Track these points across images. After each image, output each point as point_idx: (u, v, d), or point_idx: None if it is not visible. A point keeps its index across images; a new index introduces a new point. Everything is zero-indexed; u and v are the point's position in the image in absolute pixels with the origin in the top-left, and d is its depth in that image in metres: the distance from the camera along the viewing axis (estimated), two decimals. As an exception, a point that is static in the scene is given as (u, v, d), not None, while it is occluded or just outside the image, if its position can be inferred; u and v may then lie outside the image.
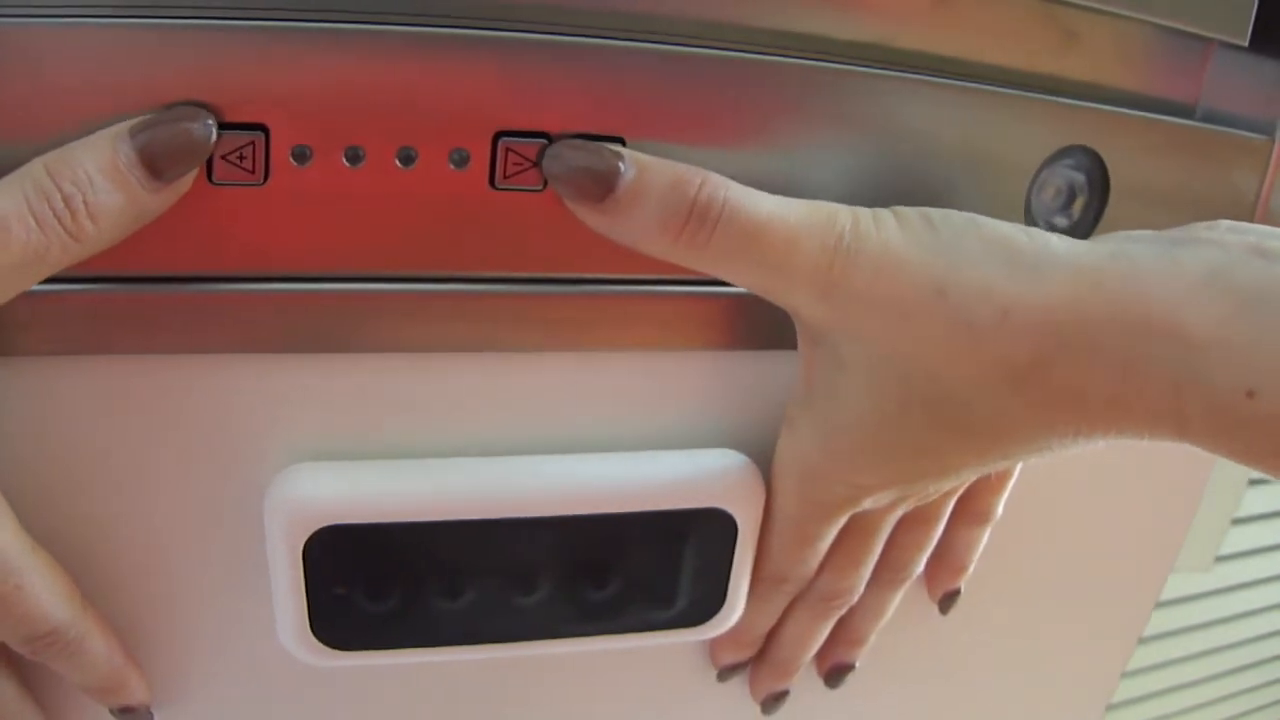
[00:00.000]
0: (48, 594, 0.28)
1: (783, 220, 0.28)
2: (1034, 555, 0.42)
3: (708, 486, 0.33)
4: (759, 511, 0.33)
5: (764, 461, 0.33)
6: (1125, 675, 0.52)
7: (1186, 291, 0.26)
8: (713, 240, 0.28)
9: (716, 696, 0.39)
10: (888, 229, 0.29)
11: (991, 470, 0.32)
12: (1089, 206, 0.34)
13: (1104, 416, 0.28)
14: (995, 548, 0.39)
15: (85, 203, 0.24)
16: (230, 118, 0.26)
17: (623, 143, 0.28)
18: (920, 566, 0.37)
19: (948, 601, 0.40)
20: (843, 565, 0.35)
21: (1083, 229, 0.35)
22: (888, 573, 0.37)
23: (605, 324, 0.31)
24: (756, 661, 0.39)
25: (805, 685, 0.39)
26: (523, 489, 0.31)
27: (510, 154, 0.28)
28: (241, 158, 0.26)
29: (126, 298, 0.27)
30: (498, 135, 0.28)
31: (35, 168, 0.24)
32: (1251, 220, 0.36)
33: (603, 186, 0.28)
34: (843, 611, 0.37)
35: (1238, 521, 0.57)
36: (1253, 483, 0.56)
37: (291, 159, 0.27)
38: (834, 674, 0.39)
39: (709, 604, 0.34)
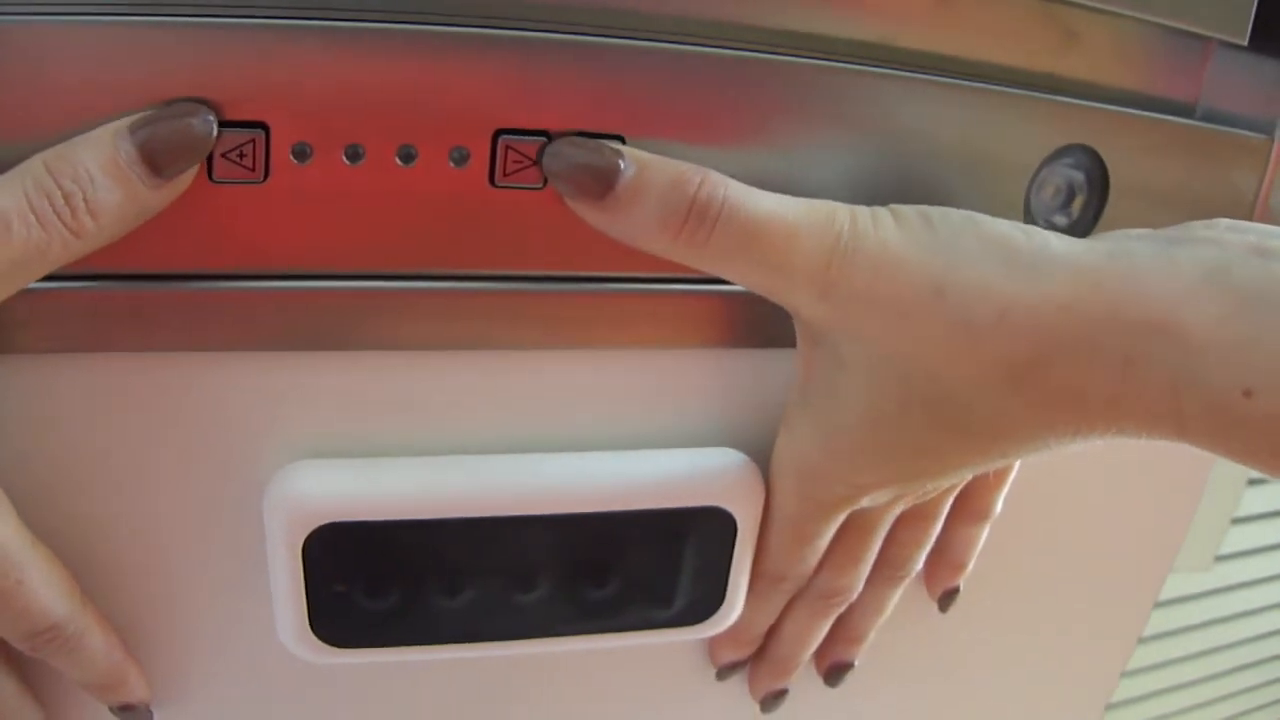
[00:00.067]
0: (48, 589, 0.28)
1: (782, 219, 0.28)
2: (1034, 554, 0.42)
3: (707, 485, 0.33)
4: (758, 510, 0.33)
5: (764, 460, 0.33)
6: (1125, 675, 0.52)
7: (1185, 291, 0.26)
8: (712, 238, 0.28)
9: (716, 695, 0.39)
10: (885, 228, 0.29)
11: (990, 469, 0.32)
12: (1088, 205, 0.34)
13: (1103, 416, 0.28)
14: (995, 547, 0.39)
15: (85, 200, 0.24)
16: (230, 115, 0.26)
17: (623, 141, 0.28)
18: (919, 564, 0.37)
19: (947, 600, 0.40)
20: (841, 563, 0.35)
21: (1082, 228, 0.35)
22: (887, 570, 0.37)
23: (605, 322, 0.31)
24: (756, 660, 0.39)
25: (804, 684, 0.39)
26: (522, 487, 0.31)
27: (510, 152, 0.28)
28: (241, 155, 0.26)
29: (126, 295, 0.27)
30: (498, 133, 0.28)
31: (35, 164, 0.24)
32: (1250, 219, 0.36)
33: (603, 184, 0.28)
34: (842, 609, 0.37)
35: (1237, 521, 0.57)
36: (1252, 482, 0.56)
37: (292, 157, 0.27)
38: (833, 672, 0.39)
39: (708, 602, 0.34)
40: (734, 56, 0.29)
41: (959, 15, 0.32)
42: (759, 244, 0.28)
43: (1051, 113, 0.33)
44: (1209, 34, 0.34)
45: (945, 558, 0.39)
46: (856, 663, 0.39)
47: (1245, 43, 0.34)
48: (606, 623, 0.34)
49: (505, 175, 0.28)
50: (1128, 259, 0.27)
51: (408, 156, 0.27)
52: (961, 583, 0.40)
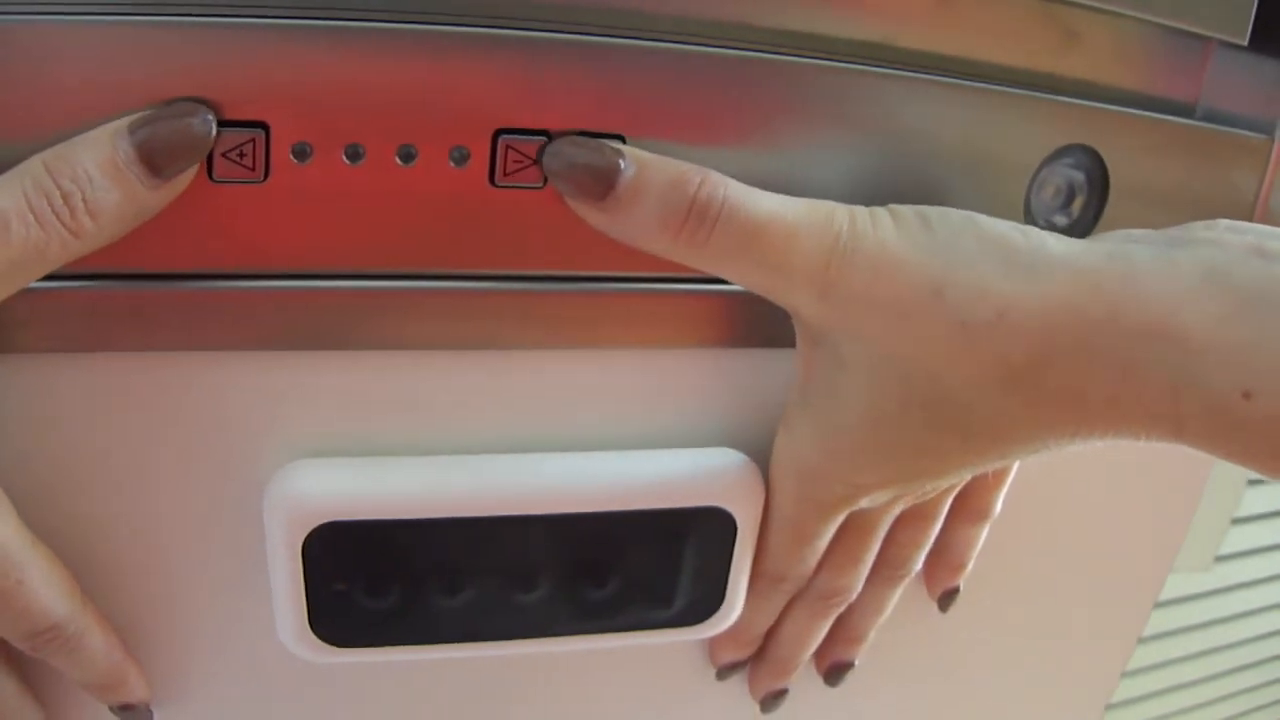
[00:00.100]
0: (48, 589, 0.28)
1: (781, 219, 0.28)
2: (1034, 554, 0.42)
3: (707, 485, 0.33)
4: (758, 511, 0.33)
5: (764, 459, 0.33)
6: (1125, 675, 0.52)
7: (1184, 293, 0.26)
8: (712, 239, 0.28)
9: (716, 695, 0.39)
10: (884, 228, 0.29)
11: (989, 469, 0.32)
12: (1088, 205, 0.34)
13: (1102, 417, 0.28)
14: (995, 547, 0.39)
15: (84, 200, 0.24)
16: (230, 115, 0.26)
17: (623, 140, 0.28)
18: (919, 564, 0.37)
19: (947, 599, 0.40)
20: (841, 563, 0.35)
21: (1082, 228, 0.35)
22: (886, 570, 0.37)
23: (605, 322, 0.31)
24: (755, 660, 0.39)
25: (804, 684, 0.39)
26: (522, 487, 0.31)
27: (510, 151, 0.28)
28: (241, 155, 0.26)
29: (126, 295, 0.27)
30: (498, 133, 0.28)
31: (34, 164, 0.24)
32: (1251, 219, 0.36)
33: (603, 184, 0.28)
34: (841, 609, 0.37)
35: (1237, 521, 0.57)
36: (1252, 482, 0.56)
37: (292, 156, 0.27)
38: (833, 672, 0.39)
39: (708, 603, 0.34)
40: (735, 56, 0.29)
41: (959, 15, 0.32)
42: (758, 244, 0.28)
43: (1052, 113, 0.33)
44: (1209, 34, 0.34)
45: (945, 558, 0.39)
46: (857, 662, 0.39)
47: (1245, 43, 0.34)
48: (606, 623, 0.34)
49: (505, 175, 0.28)
50: (1127, 260, 0.27)
51: (408, 156, 0.27)
52: (961, 583, 0.40)
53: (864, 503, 0.32)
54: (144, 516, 0.31)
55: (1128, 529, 0.45)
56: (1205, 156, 0.35)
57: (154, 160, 0.25)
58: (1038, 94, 0.33)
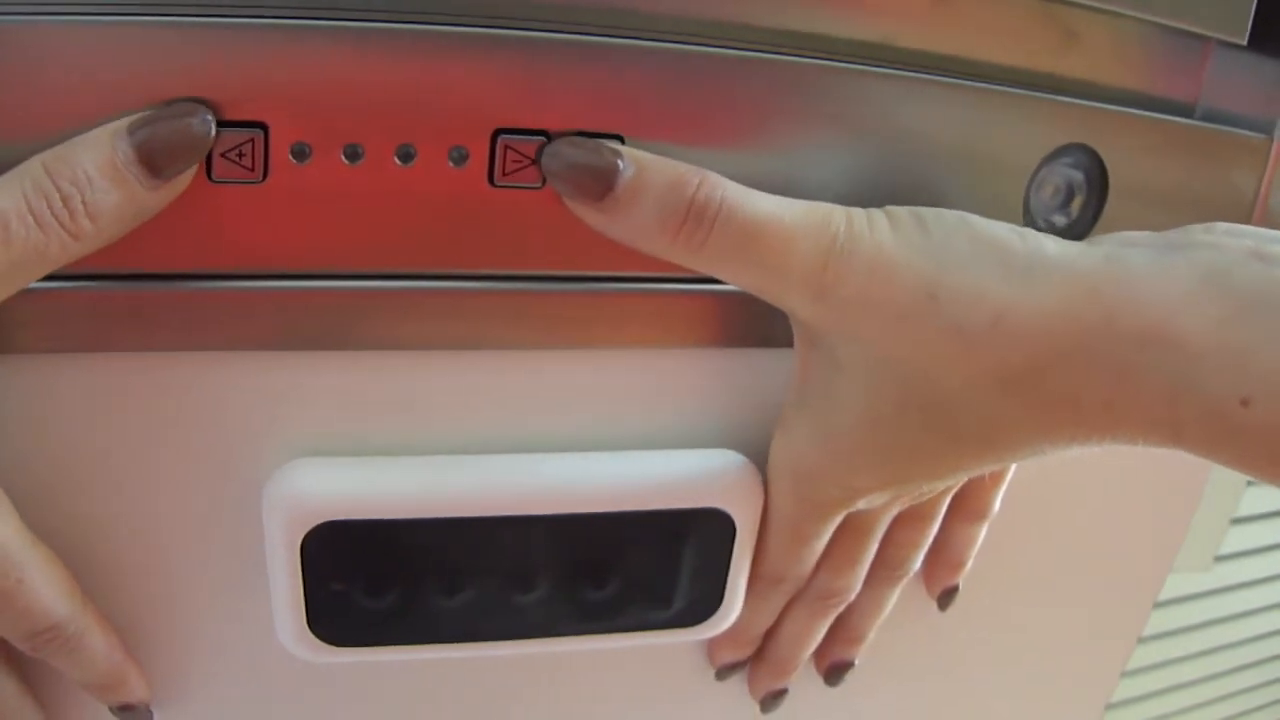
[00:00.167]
0: (49, 589, 0.28)
1: (779, 221, 0.28)
2: (1033, 554, 0.42)
3: (706, 487, 0.33)
4: (757, 512, 0.33)
5: (762, 460, 0.33)
6: (1125, 674, 0.52)
7: (1182, 297, 0.26)
8: (709, 240, 0.28)
9: (715, 695, 0.39)
10: (880, 230, 0.28)
11: (986, 471, 0.32)
12: (1088, 205, 0.34)
13: (1098, 423, 0.27)
14: (995, 546, 0.39)
15: (84, 202, 0.24)
16: (229, 115, 0.26)
17: (622, 141, 0.28)
18: (917, 563, 0.37)
19: (946, 599, 0.40)
20: (839, 564, 0.35)
21: (1081, 227, 0.35)
22: (884, 570, 0.37)
23: (604, 322, 0.31)
24: (755, 660, 0.39)
25: (804, 684, 0.39)
26: (521, 487, 0.31)
27: (509, 152, 0.28)
28: (240, 155, 0.26)
29: (125, 295, 0.27)
30: (497, 133, 0.28)
31: (34, 166, 0.24)
32: (1250, 219, 0.36)
33: (602, 184, 0.28)
34: (840, 609, 0.37)
35: (1237, 521, 0.57)
36: (1252, 483, 0.56)
37: (291, 157, 0.27)
38: (833, 672, 0.39)
39: (707, 603, 0.34)
40: (733, 56, 0.29)
41: (959, 15, 0.32)
42: (756, 246, 0.28)
43: (1051, 112, 0.33)
44: (1209, 34, 0.34)
45: (944, 557, 0.39)
46: (856, 662, 0.39)
47: (1245, 42, 0.34)
48: (605, 623, 0.34)
49: (504, 175, 0.28)
50: (1123, 264, 0.27)
51: (407, 156, 0.27)
52: (961, 581, 0.40)
53: (861, 504, 0.32)
54: (143, 516, 0.31)
55: (1128, 529, 0.45)
56: (1205, 156, 0.35)
57: (153, 161, 0.25)
58: (1037, 94, 0.33)
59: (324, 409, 0.31)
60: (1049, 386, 0.27)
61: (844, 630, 0.38)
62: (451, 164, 0.28)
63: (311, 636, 0.31)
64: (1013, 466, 0.37)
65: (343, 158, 0.27)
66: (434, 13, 0.27)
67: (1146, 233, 0.29)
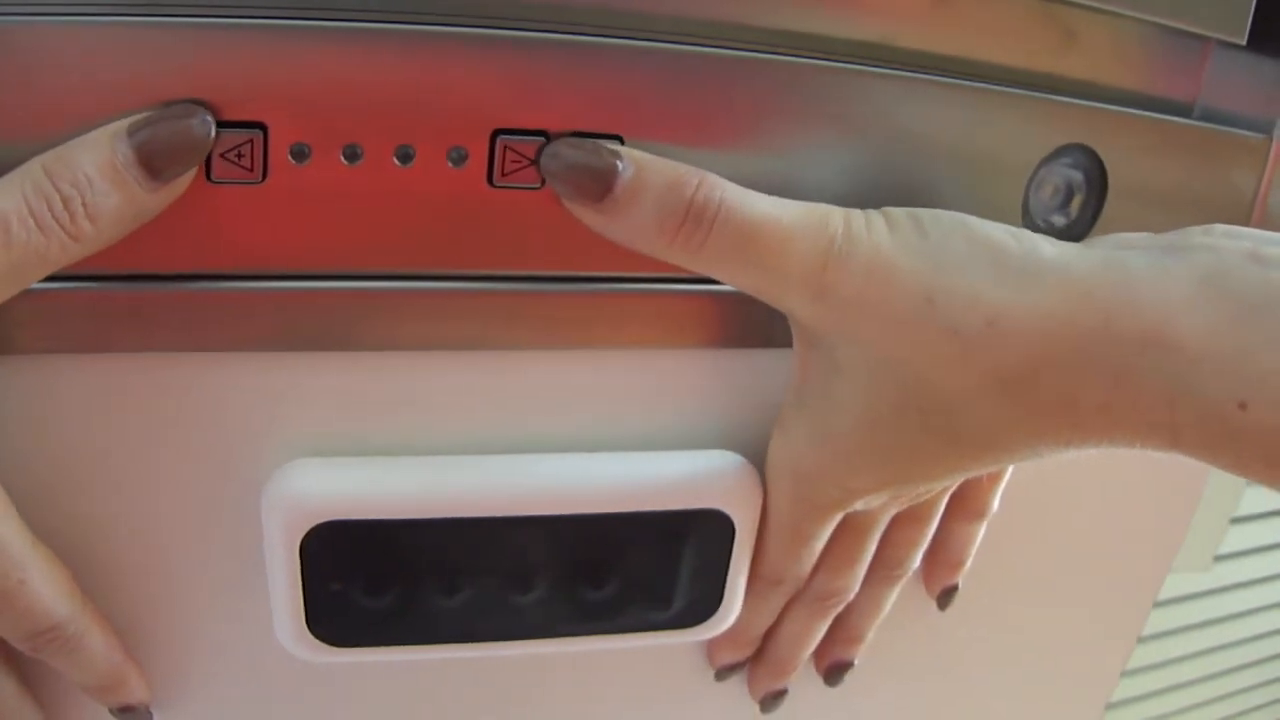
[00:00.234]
0: (50, 589, 0.28)
1: (777, 222, 0.28)
2: (1033, 554, 0.42)
3: (706, 488, 0.33)
4: (756, 512, 0.33)
5: (760, 460, 0.33)
6: (1125, 674, 0.52)
7: (1179, 300, 0.26)
8: (708, 241, 0.28)
9: (715, 696, 0.39)
10: (878, 232, 0.28)
11: (984, 473, 0.32)
12: (1087, 205, 0.34)
13: (1096, 425, 0.27)
14: (994, 546, 0.39)
15: (84, 204, 0.24)
16: (229, 116, 0.26)
17: (621, 141, 0.28)
18: (915, 563, 0.37)
19: (946, 598, 0.40)
20: (838, 564, 0.35)
21: (1081, 228, 0.35)
22: (883, 570, 0.37)
23: (603, 322, 0.31)
24: (754, 661, 0.39)
25: (804, 684, 0.39)
26: (520, 488, 0.31)
27: (509, 152, 0.28)
28: (240, 156, 0.26)
29: (125, 296, 0.27)
30: (496, 133, 0.28)
31: (34, 168, 0.24)
32: (1249, 219, 0.36)
33: (601, 185, 0.28)
34: (839, 609, 0.37)
35: (1236, 521, 0.58)
36: (1251, 483, 0.56)
37: (290, 157, 0.27)
38: (833, 672, 0.39)
39: (706, 604, 0.34)
40: (732, 57, 0.29)
41: (957, 15, 0.32)
42: (754, 247, 0.28)
43: (1050, 112, 0.33)
44: (1208, 34, 0.34)
45: (943, 556, 0.39)
46: (856, 662, 0.39)
47: (1244, 42, 0.34)
48: (605, 624, 0.34)
49: (504, 175, 0.28)
50: (1121, 268, 0.27)
51: (406, 156, 0.27)
52: (960, 580, 0.40)
53: (859, 505, 0.32)
54: (143, 516, 0.31)
55: (1127, 528, 0.45)
56: (1204, 156, 0.35)
57: (153, 163, 0.25)
58: (1036, 94, 0.33)
59: (323, 409, 0.31)
60: (1046, 389, 0.27)
61: (843, 630, 0.38)
62: (451, 164, 0.28)
63: (311, 637, 0.31)
64: (1010, 466, 0.37)
65: (342, 158, 0.27)
66: (433, 13, 0.27)
67: (1144, 234, 0.29)
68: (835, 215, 0.29)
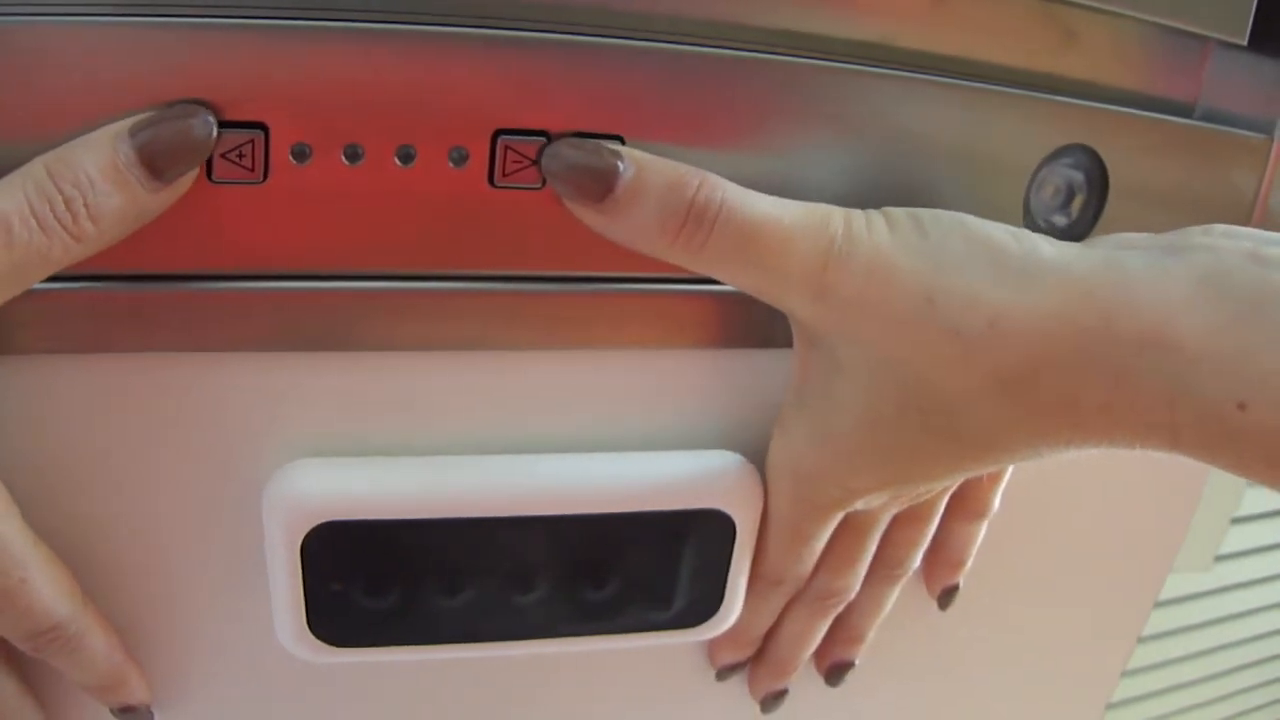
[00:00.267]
0: (51, 588, 0.28)
1: (778, 222, 0.28)
2: (1034, 554, 0.42)
3: (706, 488, 0.33)
4: (757, 513, 0.33)
5: (761, 460, 0.33)
6: (1125, 674, 0.52)
7: (1179, 300, 0.26)
8: (709, 241, 0.28)
9: (715, 696, 0.39)
10: (878, 232, 0.28)
11: (985, 473, 0.32)
12: (1088, 205, 0.34)
13: (1096, 426, 0.27)
14: (995, 546, 0.39)
15: (86, 204, 0.24)
16: (229, 116, 0.26)
17: (622, 141, 0.29)
18: (916, 562, 0.37)
19: (946, 597, 0.40)
20: (838, 564, 0.35)
21: (1081, 228, 0.35)
22: (883, 569, 0.37)
23: (604, 322, 0.31)
24: (755, 661, 0.39)
25: (804, 684, 0.39)
26: (521, 488, 0.31)
27: (509, 152, 0.28)
28: (241, 156, 0.26)
29: (125, 296, 0.27)
30: (497, 133, 0.28)
31: (36, 168, 0.24)
32: (1250, 220, 0.36)
33: (602, 185, 0.28)
34: (840, 609, 0.37)
35: (1237, 521, 0.57)
36: (1252, 483, 0.56)
37: (291, 157, 0.27)
38: (834, 672, 0.39)
39: (707, 604, 0.34)
40: (732, 57, 0.29)
41: (957, 15, 0.32)
42: (755, 247, 0.28)
43: (1051, 112, 0.33)
44: (1208, 34, 0.34)
45: (944, 555, 0.39)
46: (857, 662, 0.39)
47: (1245, 42, 0.34)
48: (605, 624, 0.34)
49: (505, 175, 0.28)
50: (1120, 268, 0.27)
51: (407, 157, 0.27)
52: (961, 580, 0.40)
53: (859, 505, 0.32)
54: (144, 516, 0.31)
55: (1128, 528, 0.45)
56: (1205, 156, 0.35)
57: (155, 163, 0.25)
58: (1036, 94, 0.33)
59: (324, 409, 0.31)
60: (1046, 389, 0.27)
61: (844, 630, 0.38)
62: (452, 164, 0.28)
63: (311, 637, 0.31)
64: (1010, 466, 0.37)
65: (343, 158, 0.27)
66: (434, 13, 0.27)
67: (1144, 235, 0.29)
68: (836, 215, 0.29)
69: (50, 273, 0.25)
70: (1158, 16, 0.33)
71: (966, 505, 0.37)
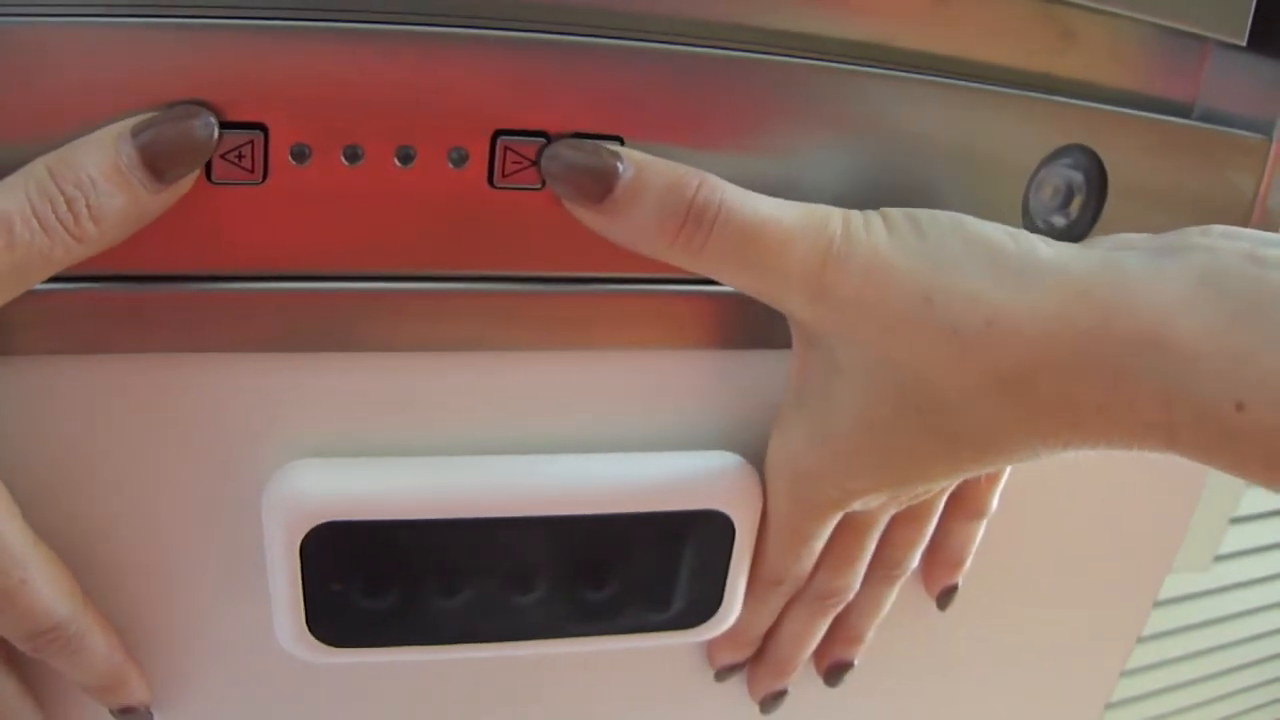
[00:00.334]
0: (51, 589, 0.28)
1: (777, 223, 0.28)
2: (1033, 554, 0.42)
3: (706, 488, 0.33)
4: (756, 513, 0.33)
5: (760, 461, 0.33)
6: (1124, 674, 0.52)
7: (1176, 301, 0.26)
8: (709, 242, 0.28)
9: (715, 696, 0.39)
10: (876, 233, 0.29)
11: (983, 473, 0.32)
12: (1087, 206, 0.34)
13: (1093, 426, 0.27)
14: (994, 546, 0.39)
15: (88, 205, 0.24)
16: (229, 116, 0.26)
17: (621, 142, 0.29)
18: (914, 562, 0.37)
19: (946, 597, 0.40)
20: (837, 564, 0.35)
21: (1081, 228, 0.35)
22: (882, 569, 0.37)
23: (603, 323, 0.31)
24: (755, 661, 0.39)
25: (804, 684, 0.39)
26: (520, 488, 0.31)
27: (509, 153, 0.28)
28: (240, 157, 0.26)
29: (125, 296, 0.27)
30: (496, 134, 0.28)
31: (38, 169, 0.24)
32: (1249, 220, 0.36)
33: (601, 186, 0.28)
34: (839, 609, 0.37)
35: (1236, 521, 0.58)
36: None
37: (290, 158, 0.27)
38: (833, 672, 0.39)
39: (706, 605, 0.34)
40: (733, 57, 0.29)
41: (956, 15, 0.32)
42: (754, 248, 0.28)
43: (1050, 113, 0.33)
44: (1207, 34, 0.34)
45: (943, 555, 0.39)
46: (856, 662, 0.39)
47: (1244, 43, 0.34)
48: (604, 625, 0.34)
49: (504, 176, 0.28)
50: (1118, 268, 0.27)
51: (406, 157, 0.27)
52: (960, 580, 0.40)
53: (858, 505, 0.32)
54: (144, 517, 0.31)
55: (1127, 528, 0.45)
56: (1203, 157, 0.35)
57: (157, 164, 0.25)
58: (1035, 94, 0.33)
59: (324, 410, 0.31)
60: (1044, 389, 0.27)
61: (843, 630, 0.38)
62: (451, 165, 0.28)
63: (311, 637, 0.31)
64: (1009, 466, 0.37)
65: (342, 159, 0.27)
66: (433, 13, 0.27)
67: (1142, 235, 0.29)
68: (834, 216, 0.29)
69: (51, 273, 0.25)
70: (1156, 17, 0.33)
71: (965, 505, 0.37)
